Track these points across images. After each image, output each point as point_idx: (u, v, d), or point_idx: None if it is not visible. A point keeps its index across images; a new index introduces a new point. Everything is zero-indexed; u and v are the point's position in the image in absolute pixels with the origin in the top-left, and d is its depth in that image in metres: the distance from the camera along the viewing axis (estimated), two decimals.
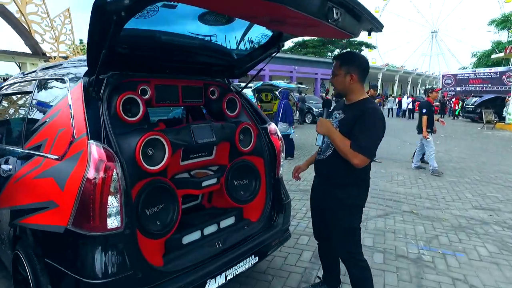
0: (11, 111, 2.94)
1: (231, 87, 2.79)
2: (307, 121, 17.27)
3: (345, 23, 1.76)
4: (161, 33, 2.14)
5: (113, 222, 1.65)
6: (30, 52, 16.87)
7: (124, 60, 2.07)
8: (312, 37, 43.07)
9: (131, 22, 1.75)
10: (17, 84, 2.82)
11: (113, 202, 1.64)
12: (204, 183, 2.28)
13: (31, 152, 2.12)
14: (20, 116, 2.63)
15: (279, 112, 8.00)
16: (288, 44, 46.00)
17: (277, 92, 11.01)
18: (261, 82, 10.29)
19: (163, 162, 1.96)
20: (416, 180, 6.50)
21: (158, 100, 2.23)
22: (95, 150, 1.64)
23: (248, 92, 9.43)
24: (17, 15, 20.16)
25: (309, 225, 4.00)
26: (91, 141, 1.67)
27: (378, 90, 7.48)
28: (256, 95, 9.79)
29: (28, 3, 21.21)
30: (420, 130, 7.01)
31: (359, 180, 2.06)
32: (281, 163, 2.80)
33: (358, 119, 1.91)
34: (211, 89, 2.58)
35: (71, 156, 1.74)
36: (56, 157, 1.85)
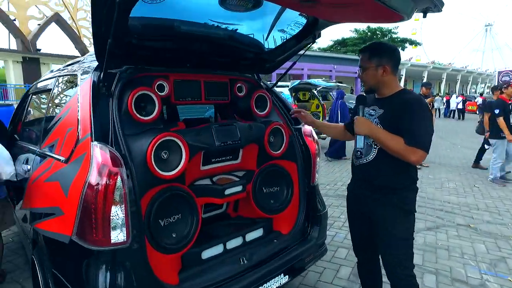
0: (35, 109, 2.89)
1: (261, 83, 2.51)
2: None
3: None
4: (180, 22, 1.90)
5: (118, 236, 1.44)
6: (80, 55, 18.11)
7: (139, 53, 1.87)
8: (352, 35, 41.36)
9: (142, 8, 1.53)
10: (42, 82, 2.75)
11: (117, 213, 1.42)
12: (228, 191, 2.01)
13: (45, 152, 1.99)
14: (40, 115, 2.55)
15: (335, 113, 7.62)
16: (327, 43, 44.94)
17: (315, 91, 10.56)
18: (298, 81, 9.89)
19: (179, 167, 1.73)
20: (471, 188, 5.80)
21: (178, 97, 2.00)
22: (99, 153, 1.44)
23: (284, 91, 9.10)
24: (69, 22, 21.65)
25: (348, 236, 3.61)
26: (95, 143, 1.46)
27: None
28: (293, 94, 9.41)
29: (78, 10, 22.64)
30: (483, 132, 6.23)
31: (412, 181, 1.83)
32: (317, 169, 2.47)
33: (405, 111, 1.68)
34: (238, 85, 2.32)
35: (76, 159, 1.56)
36: (63, 159, 1.68)
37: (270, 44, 2.32)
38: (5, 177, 2.39)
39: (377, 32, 39.66)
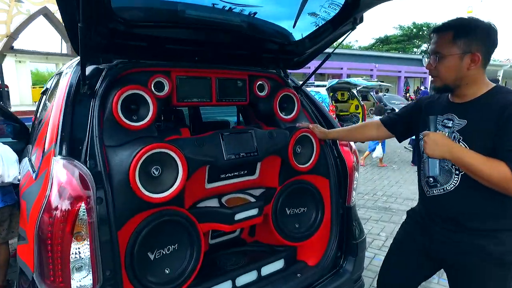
0: (37, 111, 2.68)
1: (288, 81, 2.08)
2: None
3: None
4: (185, 5, 1.53)
5: (82, 280, 1.09)
6: (70, 53, 16.21)
7: (133, 44, 1.52)
8: (396, 32, 39.13)
9: None
10: (48, 82, 2.52)
11: (80, 250, 1.07)
12: (239, 216, 1.61)
13: (27, 163, 1.71)
14: (38, 117, 2.31)
15: None
16: (368, 41, 43.09)
17: (354, 91, 9.87)
18: (337, 80, 9.27)
19: (174, 187, 1.35)
20: None
21: (181, 97, 1.63)
22: (61, 170, 1.10)
23: (321, 91, 8.54)
24: (58, 15, 20.16)
25: None
26: (57, 158, 1.13)
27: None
28: (331, 94, 8.81)
29: None
30: None
31: None
32: (354, 186, 2.00)
33: (508, 121, 1.15)
34: (259, 83, 1.91)
35: (40, 177, 1.24)
36: (34, 174, 1.37)
37: (298, 32, 1.88)
38: (7, 179, 2.20)
39: (424, 28, 37.29)
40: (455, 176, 1.29)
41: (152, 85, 1.53)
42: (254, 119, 2.09)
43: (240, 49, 1.86)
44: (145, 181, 1.29)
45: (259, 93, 1.91)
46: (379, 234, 3.87)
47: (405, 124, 1.59)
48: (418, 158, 1.47)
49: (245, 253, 1.91)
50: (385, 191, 5.60)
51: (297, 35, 1.89)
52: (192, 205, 1.59)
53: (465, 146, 1.23)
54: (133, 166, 1.24)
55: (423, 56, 1.48)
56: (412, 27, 37.74)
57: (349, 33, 1.87)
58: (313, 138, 1.87)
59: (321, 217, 1.93)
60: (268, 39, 1.86)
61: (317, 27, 1.84)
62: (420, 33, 37.59)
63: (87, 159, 1.22)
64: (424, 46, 38.85)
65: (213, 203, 1.64)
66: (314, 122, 2.03)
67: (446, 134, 1.27)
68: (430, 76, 1.35)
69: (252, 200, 1.72)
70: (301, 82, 2.20)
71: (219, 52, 1.81)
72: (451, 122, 1.30)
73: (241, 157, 1.59)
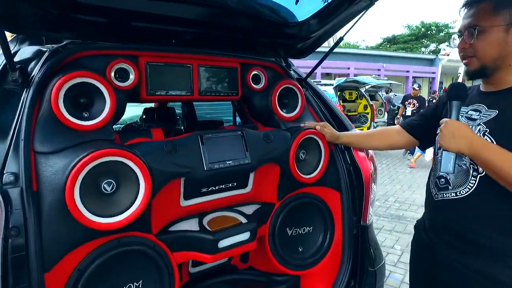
0: None
1: (291, 71, 1.71)
2: (397, 123, 15.14)
3: None
4: None
5: None
6: None
7: (89, 20, 1.17)
8: (404, 32, 38.64)
9: None
10: None
11: None
12: (224, 242, 1.24)
13: None
14: None
15: None
16: (376, 40, 42.50)
17: (362, 90, 9.45)
18: (345, 79, 8.87)
19: (133, 208, 1.00)
20: None
21: (153, 89, 1.28)
22: None
23: (328, 90, 8.15)
24: None
25: (407, 278, 2.71)
26: None
27: None
28: (338, 93, 8.41)
29: None
30: None
31: None
32: (371, 200, 1.63)
33: None
34: (254, 73, 1.55)
35: None
36: None
37: (302, 9, 1.52)
38: None
39: (432, 27, 36.61)
40: (472, 178, 1.05)
41: (112, 73, 1.18)
42: (249, 117, 1.72)
43: (230, 31, 1.50)
44: (91, 200, 0.94)
45: (253, 85, 1.55)
46: (393, 247, 3.48)
47: (429, 128, 1.27)
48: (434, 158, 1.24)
49: (236, 283, 1.54)
50: (397, 196, 5.20)
51: (301, 14, 1.52)
52: (163, 228, 1.22)
53: (491, 141, 1.00)
54: (71, 180, 0.88)
55: (452, 38, 1.16)
56: (420, 26, 37.09)
57: (366, 11, 1.50)
58: (320, 141, 1.50)
59: (330, 238, 1.57)
60: (264, 19, 1.50)
61: (326, 2, 1.47)
62: (429, 32, 36.93)
63: (3, 171, 0.87)
64: (433, 46, 38.20)
65: (192, 225, 1.28)
66: (321, 120, 1.66)
67: (470, 126, 1.04)
68: (462, 59, 1.11)
69: (243, 220, 1.36)
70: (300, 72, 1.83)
71: (204, 33, 1.45)
72: (478, 113, 1.08)
73: (227, 166, 1.23)
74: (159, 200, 1.15)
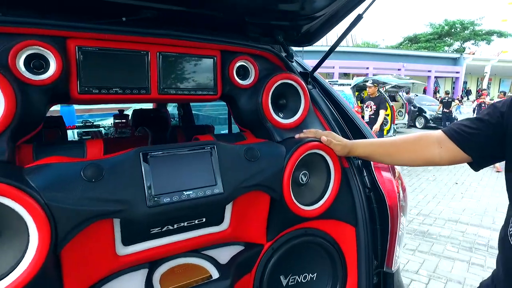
0: None
1: (291, 62, 1.29)
2: (418, 125, 14.42)
3: None
4: None
5: None
6: None
7: None
8: (426, 30, 37.59)
9: None
10: None
11: None
12: None
13: None
14: None
15: None
16: (396, 40, 41.30)
17: (382, 91, 8.87)
18: (363, 78, 8.33)
19: (17, 272, 0.61)
20: None
21: (88, 84, 0.89)
22: None
23: (345, 90, 7.65)
24: None
25: None
26: None
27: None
28: (356, 93, 7.90)
29: None
30: None
31: None
32: (399, 236, 1.19)
33: None
34: (240, 63, 1.14)
35: None
36: None
37: None
38: None
39: (456, 25, 35.10)
40: None
41: (20, 61, 0.79)
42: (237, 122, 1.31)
43: (206, 8, 1.09)
44: None
45: (239, 80, 1.14)
46: (418, 271, 2.99)
47: (489, 141, 0.85)
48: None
49: None
50: (420, 208, 4.67)
51: None
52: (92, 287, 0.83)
53: None
54: None
55: None
56: (443, 24, 35.68)
57: None
58: (329, 157, 1.08)
59: None
60: None
61: None
62: (453, 30, 35.46)
63: None
64: (457, 45, 36.71)
65: (135, 282, 0.88)
66: (332, 129, 1.24)
67: None
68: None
69: (215, 273, 0.94)
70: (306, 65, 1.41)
71: (168, 10, 1.04)
72: None
73: (184, 199, 0.82)
74: (77, 251, 0.77)
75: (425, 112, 14.35)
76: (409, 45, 38.59)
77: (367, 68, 25.79)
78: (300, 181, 1.06)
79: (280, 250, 1.08)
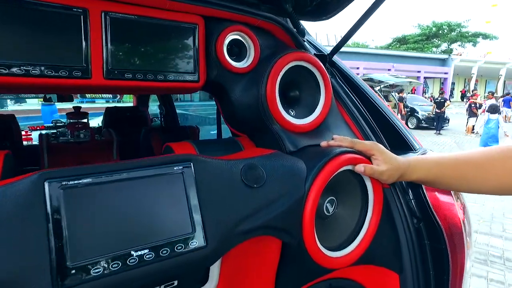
0: None
1: (302, 40, 0.92)
2: (410, 125, 14.29)
3: None
4: None
5: None
6: None
7: None
8: (414, 32, 38.23)
9: None
10: None
11: None
12: None
13: None
14: None
15: None
16: (386, 40, 41.57)
17: (376, 89, 8.60)
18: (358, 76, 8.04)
19: None
20: None
21: None
22: None
23: None
24: None
25: None
26: None
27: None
28: None
29: None
30: None
31: None
32: (463, 285, 0.83)
33: None
34: (232, 37, 0.76)
35: None
36: None
37: None
38: None
39: (444, 26, 35.40)
40: None
41: None
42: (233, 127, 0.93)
43: None
44: None
45: (231, 61, 0.77)
46: None
47: None
48: None
49: None
50: (491, 229, 3.91)
51: None
52: None
53: None
54: None
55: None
56: (431, 26, 36.01)
57: None
58: (368, 181, 0.72)
59: None
60: None
61: None
62: (440, 32, 35.84)
63: None
64: (444, 46, 37.16)
65: None
66: (363, 134, 0.88)
67: None
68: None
69: None
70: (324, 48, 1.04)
71: None
72: None
73: (133, 266, 0.45)
74: None
75: (417, 112, 14.23)
76: (397, 45, 38.88)
77: (358, 68, 25.80)
78: (325, 213, 0.70)
79: None
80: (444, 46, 37.39)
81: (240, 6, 0.78)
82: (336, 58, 1.04)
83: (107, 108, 2.24)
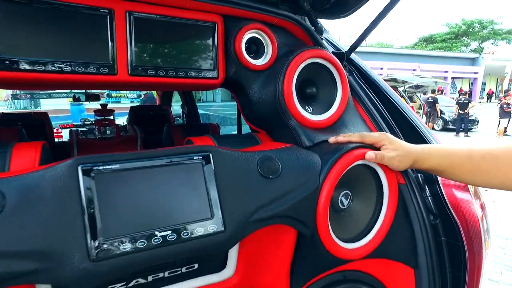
0: None
1: (320, 39, 0.94)
2: (435, 127, 13.85)
3: None
4: None
5: None
6: None
7: None
8: (441, 31, 36.83)
9: None
10: None
11: None
12: None
13: None
14: None
15: None
16: (412, 40, 40.44)
17: (400, 90, 8.41)
18: (382, 77, 7.90)
19: None
20: None
21: (7, 57, 0.56)
22: None
23: None
24: None
25: None
26: None
27: None
28: None
29: None
30: None
31: None
32: (481, 283, 0.83)
33: None
34: (251, 35, 0.80)
35: None
36: None
37: None
38: None
39: (475, 24, 34.00)
40: None
41: None
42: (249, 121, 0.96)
43: None
44: None
45: (249, 59, 0.80)
46: None
47: None
48: None
49: None
50: None
51: None
52: None
53: None
54: None
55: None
56: (461, 24, 34.67)
57: None
58: (381, 171, 0.73)
59: None
60: None
61: None
62: (470, 30, 34.43)
63: None
64: (475, 44, 35.68)
65: None
66: (378, 129, 0.89)
67: None
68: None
69: None
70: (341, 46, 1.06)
71: None
72: None
73: (157, 245, 0.49)
74: None
75: (444, 114, 13.78)
76: (424, 45, 37.73)
77: (381, 68, 25.29)
78: (339, 206, 0.72)
79: None
80: (474, 44, 35.94)
81: (258, 5, 0.81)
82: (354, 56, 1.05)
83: (132, 107, 2.32)
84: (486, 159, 0.65)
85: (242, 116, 1.00)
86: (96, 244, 0.46)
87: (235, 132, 2.09)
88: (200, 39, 0.75)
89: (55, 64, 0.60)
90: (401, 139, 0.91)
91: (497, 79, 32.85)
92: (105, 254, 0.46)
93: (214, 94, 15.09)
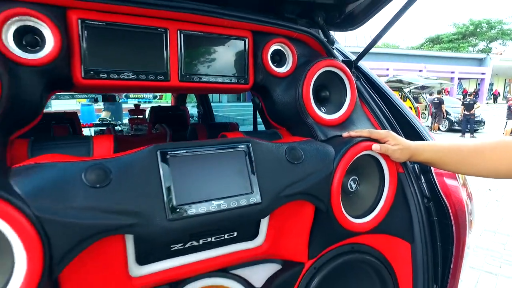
0: None
1: (332, 49, 1.11)
2: (441, 128, 13.88)
3: None
4: None
5: None
6: None
7: None
8: (448, 31, 36.46)
9: None
10: None
11: None
12: None
13: None
14: None
15: None
16: (418, 41, 40.26)
17: (405, 90, 8.52)
18: (387, 78, 8.02)
19: None
20: None
21: (92, 67, 0.73)
22: None
23: None
24: None
25: None
26: None
27: None
28: None
29: None
30: None
31: None
32: (464, 257, 0.99)
33: None
34: (275, 47, 0.97)
35: None
36: None
37: None
38: None
39: (482, 24, 33.83)
40: None
41: (7, 35, 0.65)
42: (268, 120, 1.13)
43: None
44: None
45: (274, 67, 0.97)
46: None
47: None
48: None
49: None
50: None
51: None
52: None
53: None
54: None
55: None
56: (468, 24, 34.46)
57: None
58: (384, 161, 0.90)
59: None
60: None
61: None
62: (478, 30, 34.20)
63: None
64: (482, 45, 35.40)
65: None
66: (381, 127, 1.05)
67: None
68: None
69: None
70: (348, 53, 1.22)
71: None
72: None
73: (213, 211, 0.66)
74: (79, 275, 0.61)
75: (450, 114, 13.80)
76: (430, 45, 37.55)
77: (387, 69, 25.25)
78: (349, 189, 0.88)
79: (323, 269, 0.90)
80: (482, 45, 35.72)
81: (281, 22, 0.98)
82: (361, 63, 1.21)
83: (152, 107, 2.50)
84: (473, 153, 0.81)
85: (258, 116, 1.17)
86: (172, 208, 0.63)
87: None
88: (234, 51, 0.92)
89: (125, 73, 0.77)
90: (401, 135, 1.07)
91: (505, 79, 32.65)
92: (178, 216, 0.63)
93: (221, 95, 15.29)
